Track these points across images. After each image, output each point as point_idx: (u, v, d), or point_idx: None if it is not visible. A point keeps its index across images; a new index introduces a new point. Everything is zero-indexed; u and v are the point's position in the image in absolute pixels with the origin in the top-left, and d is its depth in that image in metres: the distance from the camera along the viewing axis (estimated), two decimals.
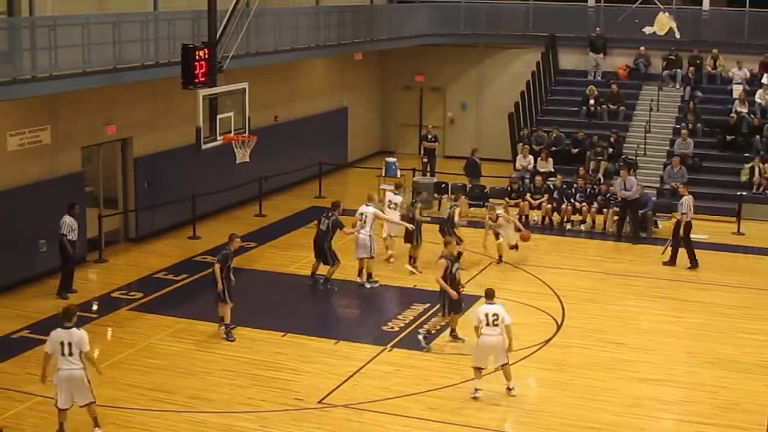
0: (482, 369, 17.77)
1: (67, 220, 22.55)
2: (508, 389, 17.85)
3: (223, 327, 20.41)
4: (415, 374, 18.71)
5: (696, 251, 26.65)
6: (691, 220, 26.22)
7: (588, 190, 30.08)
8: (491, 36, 39.59)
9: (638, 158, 33.28)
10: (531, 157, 33.34)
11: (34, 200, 23.06)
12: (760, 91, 34.81)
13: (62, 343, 15.28)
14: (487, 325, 17.53)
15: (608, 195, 29.61)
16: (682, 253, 26.16)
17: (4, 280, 22.78)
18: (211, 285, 20.62)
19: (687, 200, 26.38)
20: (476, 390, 17.63)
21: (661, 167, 33.08)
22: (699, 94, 35.91)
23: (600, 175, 31.42)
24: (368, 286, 24.00)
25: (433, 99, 41.59)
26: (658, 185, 32.08)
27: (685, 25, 34.75)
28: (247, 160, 23.63)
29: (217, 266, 20.10)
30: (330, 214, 23.62)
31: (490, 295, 17.98)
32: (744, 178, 31.81)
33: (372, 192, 26.11)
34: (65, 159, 24.50)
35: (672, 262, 26.27)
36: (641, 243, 28.25)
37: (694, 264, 26.04)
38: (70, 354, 15.25)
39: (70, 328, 15.40)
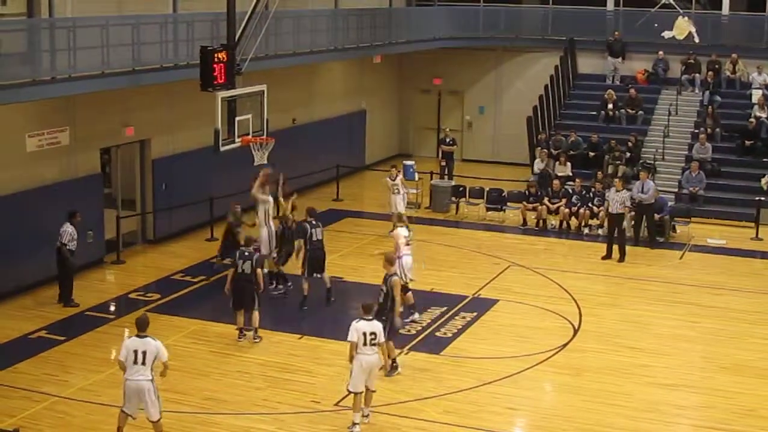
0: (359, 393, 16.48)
1: (68, 228, 22.27)
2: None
3: (253, 333, 20.39)
4: (431, 377, 18.71)
5: (714, 256, 26.58)
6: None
7: (606, 194, 29.98)
8: (510, 39, 39.53)
9: (657, 163, 33.19)
10: (549, 161, 33.28)
11: (52, 201, 23.12)
12: None
13: (136, 352, 15.07)
14: (365, 344, 16.25)
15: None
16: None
17: (23, 280, 22.86)
18: (221, 287, 20.60)
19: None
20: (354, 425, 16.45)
21: (679, 172, 33.00)
22: (718, 98, 35.78)
23: (616, 180, 31.22)
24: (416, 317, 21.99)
25: (451, 102, 41.58)
26: (676, 190, 31.99)
27: (705, 29, 34.65)
28: (265, 162, 23.64)
29: (259, 271, 20.11)
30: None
31: (367, 310, 16.52)
32: (765, 186, 31.65)
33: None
34: (84, 160, 24.59)
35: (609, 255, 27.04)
36: (658, 247, 28.16)
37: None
38: (143, 363, 15.05)
39: (145, 337, 15.22)
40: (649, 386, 18.64)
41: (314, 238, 22.57)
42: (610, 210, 27.19)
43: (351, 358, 16.26)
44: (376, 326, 16.35)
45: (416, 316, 21.86)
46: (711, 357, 20.29)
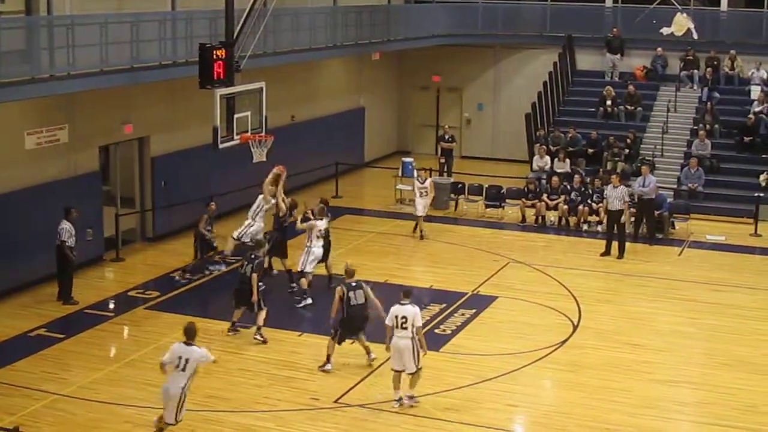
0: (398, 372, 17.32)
1: (66, 225, 22.26)
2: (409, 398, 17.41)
3: (258, 333, 20.32)
4: (431, 375, 18.64)
5: (713, 252, 26.65)
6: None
7: (605, 190, 29.96)
8: (508, 36, 39.51)
9: (655, 159, 33.18)
10: (548, 158, 33.29)
11: (51, 199, 23.10)
12: None
13: (180, 358, 15.15)
14: (397, 327, 17.09)
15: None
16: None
17: (22, 278, 22.86)
18: (226, 287, 20.61)
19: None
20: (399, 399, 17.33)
21: (678, 168, 33.00)
22: (717, 95, 35.78)
23: (615, 174, 31.21)
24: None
25: (450, 99, 41.56)
26: (675, 186, 32.00)
27: (703, 25, 34.68)
28: (264, 159, 23.63)
29: (254, 276, 20.05)
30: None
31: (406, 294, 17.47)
32: (764, 183, 31.65)
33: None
34: (83, 158, 24.58)
35: (608, 252, 27.08)
36: (657, 244, 28.17)
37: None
38: (183, 369, 15.11)
39: (191, 345, 15.26)
40: (648, 382, 18.65)
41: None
42: (609, 207, 27.17)
43: (389, 339, 17.18)
44: (408, 311, 17.04)
45: (308, 300, 22.63)
46: (711, 353, 20.30)
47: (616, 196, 26.85)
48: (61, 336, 20.45)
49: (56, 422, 16.47)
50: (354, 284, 18.76)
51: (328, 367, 18.80)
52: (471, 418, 16.91)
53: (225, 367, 18.94)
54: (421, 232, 28.44)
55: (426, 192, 28.48)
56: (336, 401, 17.46)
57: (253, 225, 23.89)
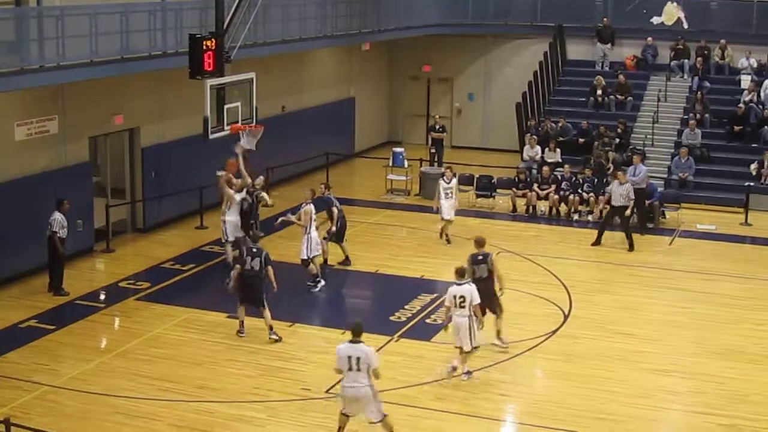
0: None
1: (57, 216, 22.17)
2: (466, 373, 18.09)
3: (269, 331, 19.94)
4: (422, 364, 18.72)
5: (704, 242, 26.72)
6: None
7: (595, 180, 30.02)
8: (499, 26, 39.50)
9: (646, 149, 33.19)
10: (538, 148, 33.30)
11: (41, 190, 23.05)
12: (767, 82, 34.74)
13: (350, 358, 14.93)
14: (455, 306, 17.70)
15: None
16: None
17: (12, 269, 22.81)
18: (214, 275, 20.50)
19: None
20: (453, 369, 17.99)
21: (668, 158, 33.04)
22: (707, 84, 35.82)
23: (610, 165, 31.25)
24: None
25: (441, 89, 41.54)
26: (665, 176, 32.04)
27: (694, 15, 34.65)
28: (254, 149, 23.62)
29: (270, 269, 19.72)
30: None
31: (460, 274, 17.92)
32: (754, 172, 31.68)
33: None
34: (73, 149, 24.52)
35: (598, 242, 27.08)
36: (648, 233, 28.19)
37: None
38: (358, 369, 14.90)
39: (358, 342, 15.01)
40: (640, 372, 18.68)
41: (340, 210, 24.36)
42: (612, 203, 27.04)
43: (448, 320, 17.92)
44: (465, 290, 17.63)
45: (321, 282, 23.15)
46: (702, 342, 20.32)
47: (620, 193, 26.69)
48: (52, 327, 20.41)
49: (47, 413, 16.43)
50: (480, 257, 19.25)
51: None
52: (463, 407, 16.93)
53: (214, 357, 18.96)
54: (447, 237, 26.92)
55: (452, 193, 26.77)
56: (327, 391, 17.43)
57: (228, 222, 23.65)
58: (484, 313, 18.75)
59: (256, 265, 19.74)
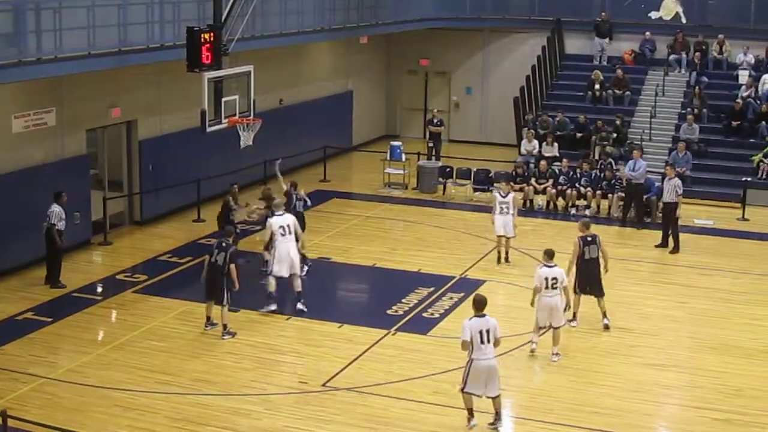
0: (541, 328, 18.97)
1: (56, 209, 22.14)
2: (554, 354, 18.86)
3: (222, 330, 19.70)
4: (419, 358, 18.74)
5: (701, 236, 26.70)
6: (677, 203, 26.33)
7: (593, 175, 30.03)
8: (497, 20, 39.44)
9: (643, 143, 33.18)
10: (536, 142, 33.28)
11: (39, 182, 23.04)
12: (766, 77, 34.70)
13: (481, 332, 15.30)
14: (546, 288, 18.43)
15: (613, 180, 29.56)
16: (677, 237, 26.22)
17: (9, 261, 22.81)
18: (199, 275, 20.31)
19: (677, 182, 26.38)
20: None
21: (666, 152, 33.04)
22: (705, 79, 35.79)
23: (610, 160, 31.18)
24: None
25: (439, 83, 41.52)
26: (663, 170, 32.00)
27: (692, 10, 34.71)
28: (251, 143, 23.63)
29: (233, 266, 19.34)
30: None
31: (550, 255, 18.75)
32: (756, 162, 31.68)
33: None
34: (70, 141, 24.51)
35: (664, 243, 26.37)
36: (646, 228, 28.20)
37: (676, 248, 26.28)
38: (488, 341, 15.34)
39: (484, 316, 15.46)
40: (636, 366, 18.70)
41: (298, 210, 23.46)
42: (663, 199, 26.72)
43: (532, 302, 18.75)
44: (557, 272, 18.53)
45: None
46: (698, 337, 20.35)
47: (669, 188, 26.43)
48: (49, 319, 20.42)
49: (44, 406, 16.44)
50: (590, 238, 20.11)
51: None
52: (460, 401, 16.86)
53: (211, 350, 18.97)
54: (506, 256, 24.85)
55: (507, 208, 24.51)
56: (324, 384, 17.47)
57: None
58: (586, 294, 20.26)
59: (220, 259, 19.37)
